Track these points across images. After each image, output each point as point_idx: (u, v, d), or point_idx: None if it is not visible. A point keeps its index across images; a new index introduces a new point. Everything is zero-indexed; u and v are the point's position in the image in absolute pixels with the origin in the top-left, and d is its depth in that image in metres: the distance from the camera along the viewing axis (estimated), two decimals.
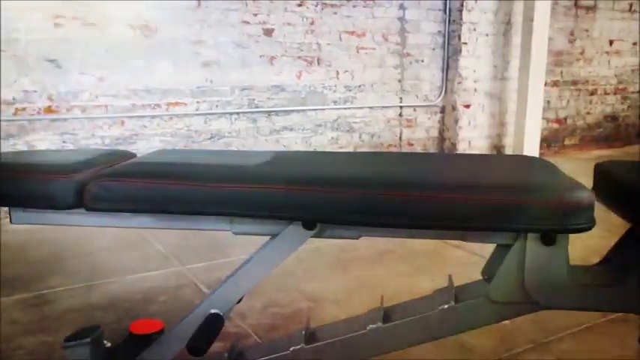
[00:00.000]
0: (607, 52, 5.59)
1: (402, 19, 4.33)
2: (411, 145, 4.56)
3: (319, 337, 1.26)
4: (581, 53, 5.41)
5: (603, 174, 1.25)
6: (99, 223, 1.23)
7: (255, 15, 3.75)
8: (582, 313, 2.15)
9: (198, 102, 3.67)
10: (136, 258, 2.63)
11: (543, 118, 5.27)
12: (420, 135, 4.60)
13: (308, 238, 1.20)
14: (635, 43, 5.79)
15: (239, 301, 1.42)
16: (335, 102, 4.15)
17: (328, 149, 4.14)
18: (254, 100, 3.85)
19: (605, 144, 5.84)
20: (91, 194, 1.13)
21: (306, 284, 2.35)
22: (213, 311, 1.25)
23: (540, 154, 5.24)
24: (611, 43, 5.60)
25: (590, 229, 1.04)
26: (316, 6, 3.95)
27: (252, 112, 3.86)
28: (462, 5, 4.42)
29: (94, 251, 2.72)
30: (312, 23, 3.95)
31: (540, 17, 4.49)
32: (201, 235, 2.92)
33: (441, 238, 1.18)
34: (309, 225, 1.17)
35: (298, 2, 3.88)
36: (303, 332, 1.25)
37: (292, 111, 3.99)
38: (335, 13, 4.03)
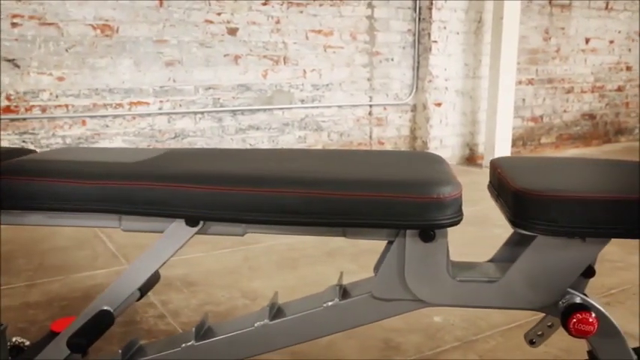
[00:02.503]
0: (583, 51, 5.58)
1: (370, 18, 4.33)
2: (382, 143, 4.56)
3: (211, 334, 1.26)
4: (557, 51, 5.40)
5: (494, 170, 1.25)
6: None
7: (219, 14, 3.75)
8: (517, 312, 2.16)
9: (161, 101, 3.67)
10: (85, 257, 2.63)
11: (519, 117, 5.27)
12: (391, 134, 4.60)
13: (192, 235, 1.20)
14: (612, 41, 5.78)
15: (139, 299, 1.42)
16: (302, 101, 4.15)
17: (296, 148, 4.13)
18: (219, 99, 3.85)
19: (583, 142, 5.84)
20: None
21: (248, 282, 2.35)
22: (104, 308, 1.26)
23: (516, 152, 5.25)
24: (587, 41, 5.59)
25: (456, 223, 1.04)
26: (281, 5, 3.95)
27: (217, 112, 3.86)
28: (432, 4, 4.42)
29: (45, 250, 2.72)
30: (277, 22, 3.95)
31: (510, 15, 4.48)
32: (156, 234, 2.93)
33: (323, 234, 1.19)
34: (191, 222, 1.18)
35: (263, 1, 3.88)
36: (194, 329, 1.25)
37: (258, 110, 3.99)
38: (301, 12, 4.03)
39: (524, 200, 1.03)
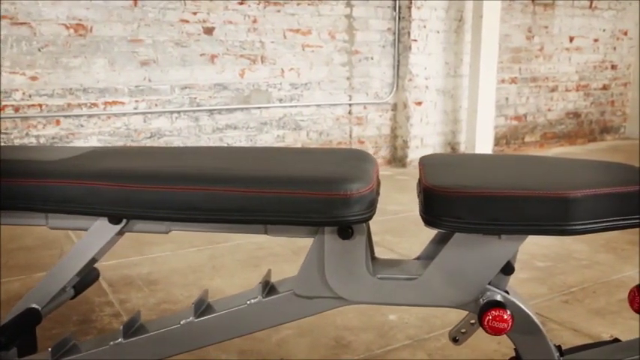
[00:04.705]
0: (567, 49, 5.58)
1: (349, 17, 4.33)
2: (362, 142, 4.56)
3: (140, 332, 1.26)
4: (540, 50, 5.40)
5: (419, 168, 1.25)
6: None
7: (195, 14, 3.75)
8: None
9: (136, 101, 3.67)
10: (51, 256, 2.63)
11: (502, 115, 5.27)
12: (371, 133, 4.60)
13: (117, 233, 1.20)
14: (596, 40, 5.78)
15: (73, 297, 1.43)
16: (280, 100, 4.15)
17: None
18: (195, 98, 3.85)
19: (567, 141, 5.84)
20: None
21: (210, 281, 2.35)
22: (32, 306, 1.26)
23: (499, 150, 5.25)
24: (571, 39, 5.59)
25: (365, 220, 1.04)
26: (258, 4, 3.95)
27: (193, 111, 3.86)
28: (411, 2, 4.42)
29: (13, 250, 2.72)
30: (254, 21, 3.95)
31: (490, 13, 4.48)
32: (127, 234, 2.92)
33: (246, 231, 1.19)
34: (114, 220, 1.18)
35: (239, 1, 3.88)
36: (122, 327, 1.25)
37: (236, 109, 3.99)
38: (278, 11, 4.03)
39: (431, 197, 1.03)
